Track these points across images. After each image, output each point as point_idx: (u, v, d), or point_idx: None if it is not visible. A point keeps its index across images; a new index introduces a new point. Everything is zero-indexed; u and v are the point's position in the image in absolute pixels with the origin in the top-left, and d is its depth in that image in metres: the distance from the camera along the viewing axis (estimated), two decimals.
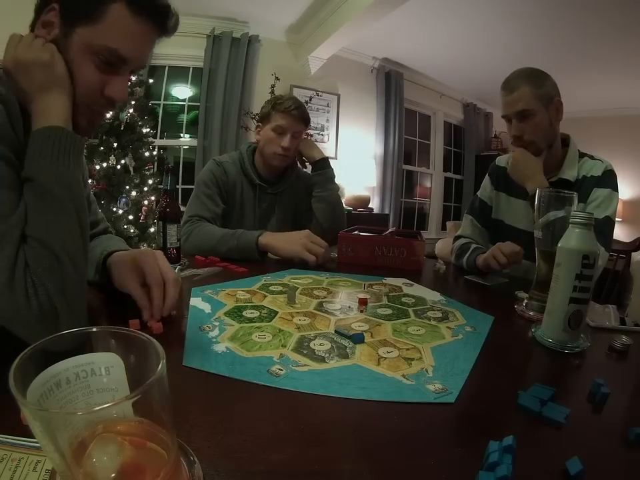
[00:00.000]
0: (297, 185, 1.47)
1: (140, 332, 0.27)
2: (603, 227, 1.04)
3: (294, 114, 1.31)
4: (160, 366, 0.23)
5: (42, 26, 0.56)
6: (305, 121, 1.36)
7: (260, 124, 1.39)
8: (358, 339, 0.59)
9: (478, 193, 1.37)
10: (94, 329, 0.28)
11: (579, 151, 1.16)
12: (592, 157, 1.15)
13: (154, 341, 0.26)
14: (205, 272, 0.96)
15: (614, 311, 0.79)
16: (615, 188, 1.08)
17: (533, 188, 1.06)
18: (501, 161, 1.33)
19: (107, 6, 0.55)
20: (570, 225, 0.63)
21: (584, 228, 0.61)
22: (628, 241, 1.72)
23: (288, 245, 1.09)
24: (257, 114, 3.39)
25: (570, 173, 1.11)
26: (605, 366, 0.61)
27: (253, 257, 1.11)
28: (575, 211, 0.64)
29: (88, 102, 0.59)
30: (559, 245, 0.63)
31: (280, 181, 1.43)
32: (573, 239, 0.61)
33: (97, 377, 0.27)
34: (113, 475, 0.23)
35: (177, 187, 3.41)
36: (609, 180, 1.09)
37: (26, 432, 0.32)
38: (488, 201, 1.33)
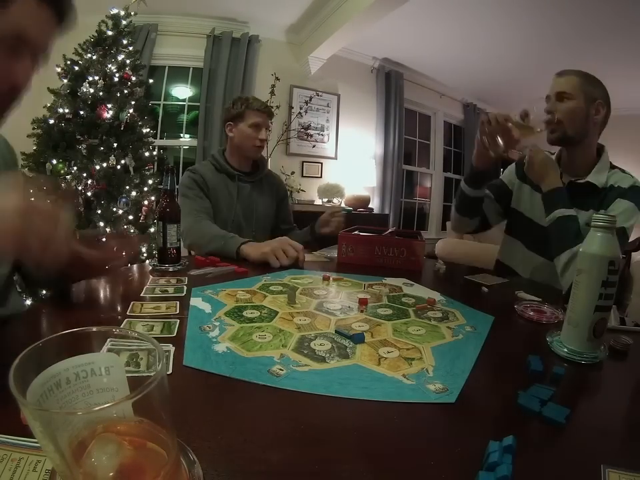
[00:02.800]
0: (270, 178, 1.66)
1: (140, 332, 0.27)
2: (617, 237, 1.03)
3: (266, 111, 1.53)
4: (160, 366, 0.23)
5: None
6: (272, 116, 1.59)
7: (231, 122, 1.53)
8: (358, 338, 0.59)
9: (500, 176, 1.37)
10: (94, 329, 0.28)
11: (610, 162, 1.16)
12: (623, 171, 1.15)
13: (154, 341, 0.26)
14: (216, 271, 0.97)
15: (614, 311, 0.79)
16: (639, 205, 1.07)
17: (547, 187, 1.07)
18: None
19: None
20: (591, 229, 0.59)
21: (607, 232, 0.57)
22: (626, 244, 1.72)
23: (257, 251, 1.13)
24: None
25: (599, 178, 1.11)
26: (605, 365, 0.61)
27: (233, 259, 1.17)
28: (596, 214, 0.59)
29: None
30: (581, 250, 0.59)
31: (255, 171, 1.60)
32: (595, 244, 0.57)
33: (96, 377, 0.27)
34: (112, 474, 0.23)
35: (177, 186, 3.40)
36: (635, 195, 1.08)
37: (26, 432, 0.32)
38: (509, 184, 1.32)
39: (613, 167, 1.16)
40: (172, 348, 0.53)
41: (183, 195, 1.43)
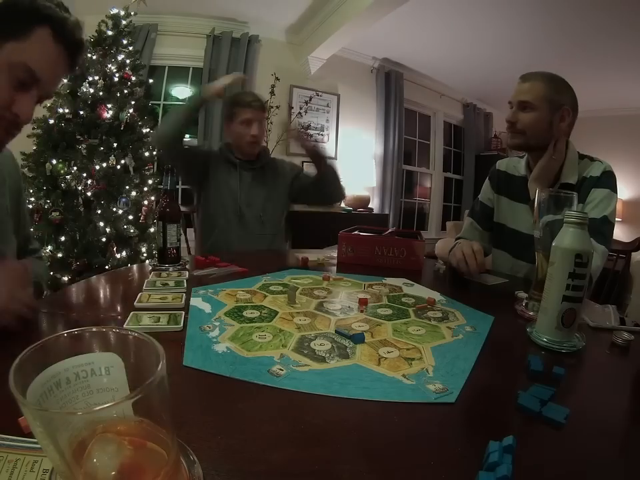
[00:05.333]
0: (278, 165, 1.68)
1: (139, 332, 0.27)
2: (601, 227, 1.03)
3: (255, 105, 1.54)
4: (160, 366, 0.23)
5: None
6: (263, 108, 1.59)
7: (225, 122, 1.58)
8: (358, 338, 0.59)
9: (479, 196, 1.37)
10: (93, 329, 0.28)
11: (578, 152, 1.16)
12: (591, 159, 1.15)
13: (154, 341, 0.26)
14: (220, 271, 0.97)
15: (614, 311, 0.79)
16: (613, 189, 1.08)
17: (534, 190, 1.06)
18: (502, 164, 1.33)
19: (34, 26, 0.58)
20: (564, 225, 0.63)
21: (577, 227, 0.61)
22: (628, 241, 1.72)
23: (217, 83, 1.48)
24: None
25: (571, 176, 1.11)
26: (606, 365, 0.61)
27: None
28: (568, 211, 0.64)
29: None
30: (553, 244, 0.63)
31: (257, 159, 1.61)
32: (566, 238, 0.62)
33: (96, 377, 0.27)
34: (113, 474, 0.23)
35: (177, 187, 3.40)
36: (607, 180, 1.08)
37: (21, 432, 0.32)
38: (489, 203, 1.33)
39: (581, 156, 1.15)
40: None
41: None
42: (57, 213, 2.19)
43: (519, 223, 1.22)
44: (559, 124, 1.10)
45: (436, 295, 0.87)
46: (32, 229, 0.93)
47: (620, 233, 4.34)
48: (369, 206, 3.99)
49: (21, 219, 0.87)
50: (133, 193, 2.46)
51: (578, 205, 1.07)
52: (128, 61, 2.52)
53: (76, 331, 0.27)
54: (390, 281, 0.98)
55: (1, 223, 0.74)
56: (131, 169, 2.45)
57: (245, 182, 1.56)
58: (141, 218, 2.51)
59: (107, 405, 0.21)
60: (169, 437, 0.25)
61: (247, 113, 1.53)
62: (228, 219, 1.53)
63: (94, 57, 2.40)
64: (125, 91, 2.47)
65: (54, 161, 2.22)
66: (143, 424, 0.24)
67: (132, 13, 2.58)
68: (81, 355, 0.26)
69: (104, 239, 2.27)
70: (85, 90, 2.33)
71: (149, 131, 2.64)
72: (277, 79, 3.39)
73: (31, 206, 2.15)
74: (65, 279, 2.18)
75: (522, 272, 1.19)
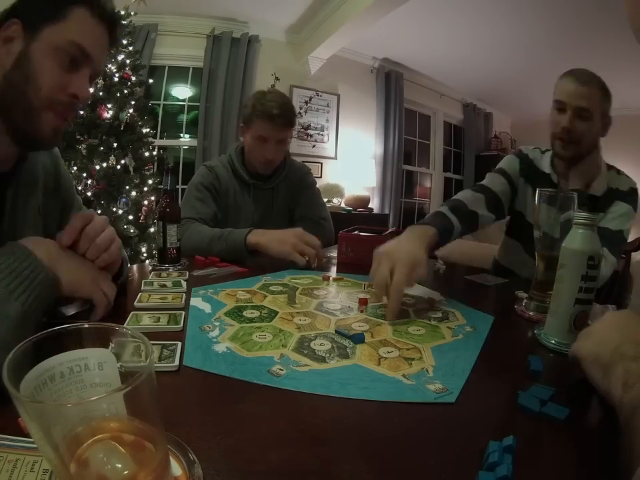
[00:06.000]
0: (290, 177, 1.41)
1: (132, 330, 0.27)
2: (615, 238, 1.03)
3: (277, 122, 1.21)
4: (148, 361, 0.24)
5: (2, 41, 0.59)
6: (290, 124, 1.26)
7: (243, 125, 1.31)
8: (358, 338, 0.59)
9: (504, 166, 1.22)
10: (86, 325, 0.28)
11: (606, 163, 1.15)
12: (618, 171, 1.15)
13: (144, 337, 0.26)
14: (220, 271, 0.97)
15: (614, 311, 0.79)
16: (635, 208, 1.08)
17: None
18: (529, 152, 1.23)
19: (70, 6, 0.60)
20: (573, 226, 0.62)
21: (587, 229, 0.61)
22: (628, 241, 1.72)
23: (277, 245, 1.03)
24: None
25: (599, 188, 1.10)
26: None
27: (243, 257, 1.06)
28: (578, 212, 0.63)
29: (52, 102, 0.61)
30: (563, 245, 0.62)
31: (273, 175, 1.37)
32: (577, 240, 0.61)
33: (90, 372, 0.27)
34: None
35: (177, 187, 3.39)
36: (633, 198, 1.09)
37: (21, 432, 0.32)
38: (514, 179, 1.20)
39: (608, 167, 1.15)
40: (179, 344, 0.53)
41: (186, 194, 1.29)
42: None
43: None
44: (602, 132, 1.08)
45: (436, 295, 0.87)
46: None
47: None
48: (369, 206, 4.00)
49: (64, 214, 0.81)
50: (133, 193, 2.46)
51: (599, 214, 1.07)
52: (128, 61, 2.52)
53: (69, 326, 0.28)
54: None
55: (28, 226, 0.71)
56: (131, 169, 2.45)
57: (259, 202, 1.34)
58: (141, 218, 2.52)
59: (98, 397, 0.22)
60: (158, 435, 0.25)
61: (264, 129, 1.22)
62: None
63: None
64: (125, 91, 2.47)
65: None
66: (135, 422, 0.24)
67: (132, 13, 2.58)
68: (74, 350, 0.27)
69: None
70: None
71: (149, 131, 2.64)
72: (277, 79, 3.39)
73: None
74: None
75: (531, 268, 1.19)
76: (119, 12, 0.70)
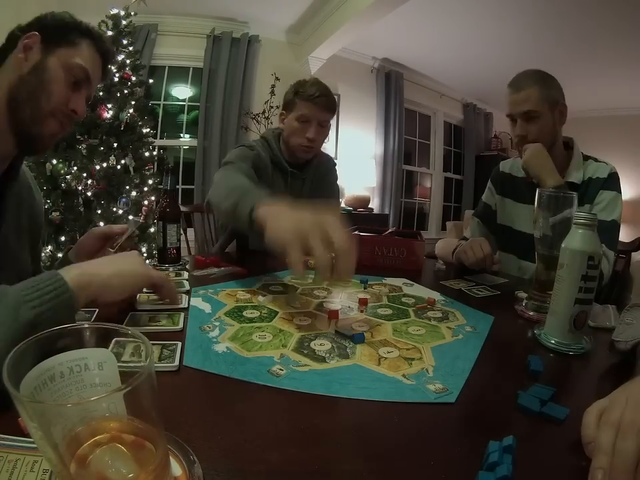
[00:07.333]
0: (320, 167, 1.41)
1: (132, 329, 0.27)
2: (611, 230, 1.04)
3: (318, 102, 1.21)
4: (148, 361, 0.24)
5: (23, 48, 0.68)
6: (332, 108, 1.26)
7: (284, 112, 1.30)
8: (358, 338, 0.59)
9: (483, 197, 1.38)
10: (86, 325, 0.28)
11: (582, 153, 1.16)
12: (596, 160, 1.15)
13: (144, 337, 0.26)
14: (220, 271, 0.97)
15: (614, 311, 0.79)
16: (620, 191, 1.09)
17: (553, 184, 1.05)
18: (505, 166, 1.32)
19: (81, 36, 0.73)
20: (573, 226, 0.62)
21: (588, 229, 0.61)
22: (628, 241, 1.72)
23: (280, 230, 0.65)
24: (257, 114, 3.42)
25: (576, 175, 1.12)
26: (606, 365, 0.61)
27: (246, 231, 0.80)
28: (577, 212, 0.63)
29: (55, 112, 0.70)
30: (563, 245, 0.62)
31: (307, 164, 1.36)
32: (577, 240, 0.61)
33: (90, 372, 0.27)
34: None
35: (177, 187, 3.40)
36: (614, 183, 1.09)
37: (21, 432, 0.32)
38: (492, 205, 1.33)
39: (585, 157, 1.16)
40: (179, 344, 0.53)
41: (225, 163, 1.16)
42: (57, 213, 2.19)
43: (524, 224, 1.22)
44: (560, 120, 1.10)
45: (436, 295, 0.87)
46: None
47: (620, 233, 4.33)
48: (369, 206, 3.99)
49: (35, 249, 0.87)
50: (133, 193, 2.46)
51: (584, 205, 1.08)
52: (128, 61, 2.52)
53: (69, 326, 0.28)
54: (390, 280, 0.98)
55: (14, 246, 0.76)
56: (131, 169, 2.45)
57: (294, 192, 1.32)
58: (141, 218, 2.51)
59: (98, 397, 0.22)
60: (158, 435, 0.26)
61: (305, 108, 1.21)
62: None
63: None
64: (125, 91, 2.47)
65: (54, 161, 2.22)
66: (135, 422, 0.25)
67: (132, 13, 2.58)
68: (75, 350, 0.27)
69: None
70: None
71: (149, 131, 2.64)
72: (277, 78, 3.39)
73: None
74: None
75: (529, 273, 1.20)
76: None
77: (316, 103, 1.21)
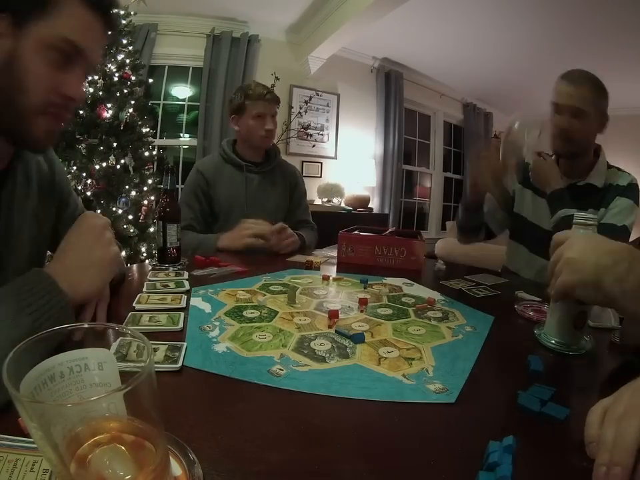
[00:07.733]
0: (281, 170, 1.59)
1: (132, 329, 0.27)
2: (619, 235, 1.05)
3: (269, 98, 1.44)
4: (148, 361, 0.24)
5: None
6: (278, 101, 1.49)
7: (235, 116, 1.48)
8: (358, 338, 0.59)
9: None
10: (86, 325, 0.28)
11: (607, 162, 1.18)
12: (619, 169, 1.17)
13: (144, 337, 0.26)
14: (220, 271, 0.97)
15: (613, 311, 0.79)
16: (637, 202, 1.10)
17: (550, 190, 1.09)
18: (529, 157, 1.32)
19: None
20: (573, 226, 0.63)
21: (587, 228, 0.61)
22: (629, 240, 1.72)
23: (234, 241, 1.24)
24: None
25: (598, 179, 1.13)
26: (606, 365, 0.61)
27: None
28: (578, 212, 0.63)
29: (45, 104, 0.56)
30: None
31: (266, 161, 1.54)
32: None
33: (90, 372, 0.27)
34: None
35: (177, 186, 3.39)
36: (633, 193, 1.11)
37: (22, 432, 0.32)
38: (511, 191, 1.33)
39: (609, 166, 1.18)
40: (184, 345, 0.53)
41: (182, 198, 1.46)
42: None
43: (541, 218, 1.22)
44: (599, 130, 1.11)
45: (436, 295, 0.87)
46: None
47: None
48: (369, 206, 3.99)
49: (59, 214, 0.80)
50: (133, 193, 2.46)
51: (600, 209, 1.10)
52: (128, 61, 2.52)
53: (69, 326, 0.28)
54: (390, 280, 0.98)
55: (24, 229, 0.68)
56: (131, 169, 2.45)
57: (251, 185, 1.48)
58: (141, 218, 2.51)
59: (98, 397, 0.22)
60: (158, 435, 0.25)
61: (260, 107, 1.43)
62: (235, 224, 1.38)
63: None
64: (125, 91, 2.47)
65: None
66: (135, 422, 0.25)
67: (132, 13, 2.58)
68: (75, 350, 0.27)
69: None
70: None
71: (149, 131, 2.64)
72: (277, 78, 3.38)
73: None
74: None
75: (536, 267, 1.21)
76: None
77: (267, 99, 1.44)
